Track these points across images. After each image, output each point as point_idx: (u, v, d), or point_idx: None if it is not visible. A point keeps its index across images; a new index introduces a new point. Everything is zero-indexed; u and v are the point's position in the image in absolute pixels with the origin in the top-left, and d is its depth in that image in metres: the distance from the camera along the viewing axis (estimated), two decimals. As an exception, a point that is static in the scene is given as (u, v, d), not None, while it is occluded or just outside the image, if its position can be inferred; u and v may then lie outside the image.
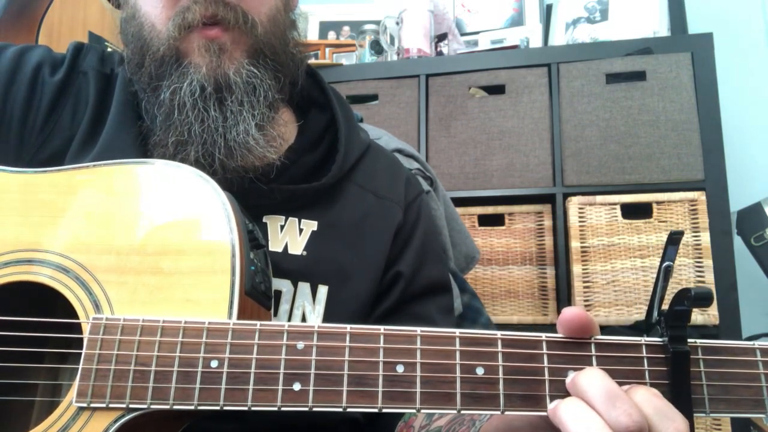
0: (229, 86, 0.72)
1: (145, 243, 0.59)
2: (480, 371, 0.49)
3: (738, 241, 1.78)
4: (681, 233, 0.48)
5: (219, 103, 0.72)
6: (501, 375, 0.49)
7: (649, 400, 0.44)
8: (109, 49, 0.84)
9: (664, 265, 0.49)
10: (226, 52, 0.72)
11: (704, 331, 1.62)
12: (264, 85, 0.74)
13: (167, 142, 0.73)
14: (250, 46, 0.74)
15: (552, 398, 0.48)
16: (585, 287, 1.71)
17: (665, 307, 0.48)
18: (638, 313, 1.67)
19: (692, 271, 1.65)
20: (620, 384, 0.45)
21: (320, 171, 0.83)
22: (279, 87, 0.77)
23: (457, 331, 0.50)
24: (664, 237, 1.68)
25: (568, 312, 0.49)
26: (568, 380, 0.47)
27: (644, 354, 0.48)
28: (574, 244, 1.72)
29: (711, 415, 0.46)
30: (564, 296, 1.78)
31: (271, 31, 0.76)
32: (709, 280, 1.63)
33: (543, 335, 0.49)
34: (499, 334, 0.50)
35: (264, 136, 0.75)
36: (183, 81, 0.71)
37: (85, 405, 0.53)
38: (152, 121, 0.76)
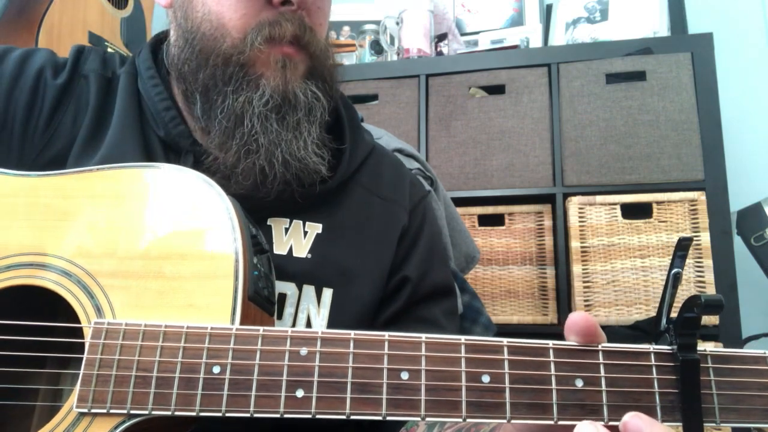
0: (294, 104, 0.75)
1: (148, 247, 0.59)
2: (486, 379, 0.48)
3: (738, 241, 1.78)
4: (690, 240, 0.47)
5: (281, 118, 0.74)
6: (507, 383, 0.48)
7: None
8: (110, 50, 0.84)
9: (673, 271, 0.48)
10: (296, 71, 0.75)
11: (704, 331, 1.62)
12: (321, 107, 0.77)
13: (230, 147, 0.74)
14: (313, 68, 0.77)
15: (559, 407, 0.47)
16: (585, 287, 1.71)
17: (674, 314, 0.48)
18: (638, 313, 1.67)
19: (692, 271, 1.65)
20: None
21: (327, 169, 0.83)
22: (329, 109, 0.80)
23: (463, 338, 0.50)
24: (665, 237, 1.68)
25: (575, 316, 0.49)
26: None
27: (653, 362, 0.48)
28: (574, 244, 1.72)
29: (721, 424, 0.46)
30: (564, 296, 1.78)
31: (326, 56, 0.80)
32: (709, 280, 1.63)
33: (550, 342, 0.49)
34: (505, 341, 0.49)
35: (318, 153, 0.78)
36: (254, 92, 0.73)
37: (85, 410, 0.52)
38: (206, 121, 0.76)
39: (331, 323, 0.76)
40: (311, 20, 0.76)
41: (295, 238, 0.78)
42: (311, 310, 0.76)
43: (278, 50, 0.73)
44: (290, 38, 0.73)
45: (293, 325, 0.75)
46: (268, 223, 0.78)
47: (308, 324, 0.76)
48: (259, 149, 0.74)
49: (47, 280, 0.58)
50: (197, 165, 0.75)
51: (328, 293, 0.77)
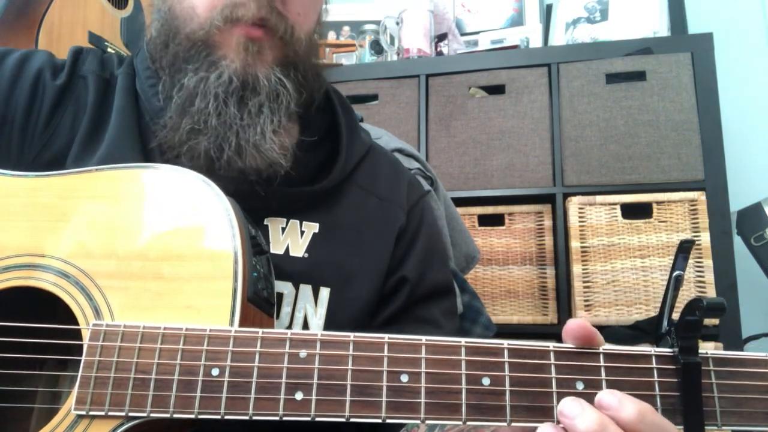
0: (255, 88, 0.72)
1: (147, 248, 0.59)
2: (486, 381, 0.48)
3: (738, 241, 1.78)
4: (692, 242, 0.47)
5: (240, 101, 0.72)
6: (507, 386, 0.48)
7: (648, 417, 0.44)
8: (109, 49, 0.84)
9: (675, 274, 0.48)
10: (261, 55, 0.73)
11: (704, 331, 1.62)
12: (287, 95, 0.75)
13: (180, 125, 0.73)
14: (284, 56, 0.75)
15: (560, 410, 0.47)
16: (585, 287, 1.71)
17: (675, 316, 0.48)
18: (638, 313, 1.67)
19: (692, 271, 1.65)
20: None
21: (322, 173, 0.83)
22: (299, 100, 0.78)
23: (463, 341, 0.49)
24: (665, 237, 1.68)
25: (571, 323, 0.49)
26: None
27: (654, 365, 0.48)
28: (574, 244, 1.72)
29: (723, 428, 0.46)
30: (564, 296, 1.78)
31: (306, 49, 0.78)
32: (709, 280, 1.63)
33: (551, 345, 0.49)
34: (505, 343, 0.49)
35: (278, 143, 0.74)
36: (211, 72, 0.72)
37: (83, 413, 0.52)
38: (165, 101, 0.75)
39: (328, 322, 0.76)
40: (286, 8, 0.74)
41: (292, 238, 0.78)
42: (308, 310, 0.76)
43: (241, 31, 0.71)
44: (252, 19, 0.71)
45: (290, 324, 0.75)
46: (265, 222, 0.78)
47: (305, 323, 0.76)
48: (208, 130, 0.72)
49: (45, 282, 0.58)
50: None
51: (325, 292, 0.77)
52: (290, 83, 0.75)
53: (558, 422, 0.46)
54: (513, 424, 0.47)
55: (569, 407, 0.45)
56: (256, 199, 0.75)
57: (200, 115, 0.72)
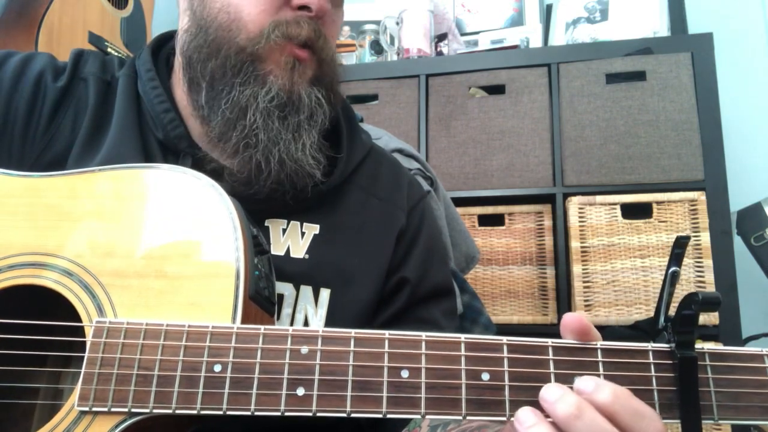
0: (298, 106, 0.76)
1: (150, 247, 0.59)
2: (486, 377, 0.49)
3: (738, 241, 1.78)
4: (687, 238, 0.48)
5: (282, 117, 0.75)
6: (507, 381, 0.48)
7: (623, 400, 0.45)
8: (110, 50, 0.85)
9: (671, 270, 0.49)
10: (305, 75, 0.76)
11: (704, 331, 1.62)
12: (322, 113, 0.78)
13: (230, 137, 0.75)
14: (320, 75, 0.78)
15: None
16: (585, 287, 1.71)
17: (672, 312, 0.48)
18: (638, 313, 1.67)
19: (692, 271, 1.65)
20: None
21: (322, 174, 0.83)
22: (330, 117, 0.81)
23: (463, 337, 0.50)
24: (664, 237, 1.68)
25: (569, 317, 0.50)
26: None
27: (651, 360, 0.48)
28: (574, 244, 1.72)
29: (720, 421, 0.46)
30: (564, 296, 1.78)
31: (334, 66, 0.81)
32: (709, 280, 1.63)
33: (549, 341, 0.49)
34: (505, 339, 0.50)
35: (315, 157, 0.78)
36: (261, 87, 0.74)
37: (86, 409, 0.52)
38: (209, 110, 0.77)
39: (329, 323, 0.77)
40: (326, 30, 0.78)
41: (293, 239, 0.78)
42: (308, 311, 0.76)
43: (290, 50, 0.74)
44: (304, 40, 0.74)
45: (291, 325, 0.75)
46: (266, 224, 0.78)
47: (305, 324, 0.76)
48: (258, 144, 0.74)
49: (49, 280, 0.59)
50: (196, 167, 0.76)
51: (325, 294, 0.78)
52: (325, 101, 0.78)
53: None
54: (513, 419, 0.48)
55: (550, 392, 0.47)
56: (256, 200, 0.76)
57: (250, 130, 0.74)
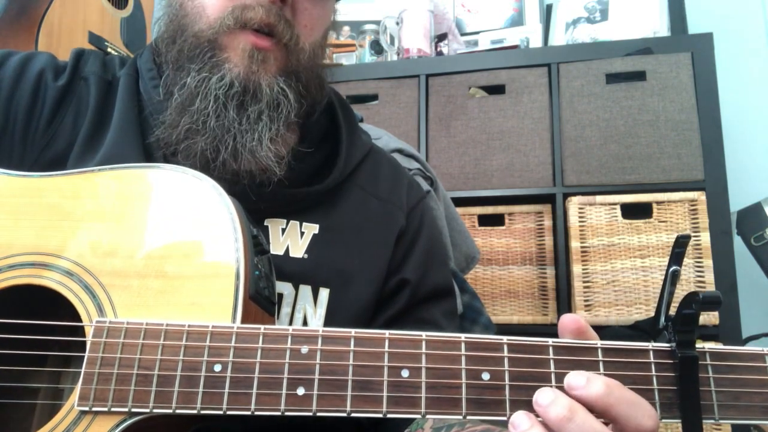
0: (256, 95, 0.73)
1: (150, 247, 0.59)
2: (486, 376, 0.49)
3: (738, 241, 1.78)
4: (688, 237, 0.48)
5: (239, 106, 0.73)
6: (507, 380, 0.48)
7: (617, 390, 0.45)
8: (110, 50, 0.85)
9: (671, 269, 0.49)
10: (266, 64, 0.74)
11: (704, 331, 1.62)
12: (288, 105, 0.75)
13: (178, 123, 0.73)
14: (287, 66, 0.76)
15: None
16: (585, 287, 1.71)
17: (672, 312, 0.48)
18: (638, 313, 1.67)
19: (692, 271, 1.65)
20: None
21: (322, 174, 0.83)
22: (300, 110, 0.79)
23: (463, 336, 0.50)
24: (664, 237, 1.68)
25: (566, 318, 0.50)
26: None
27: (652, 359, 0.48)
28: (574, 244, 1.72)
29: (720, 421, 0.46)
30: (564, 296, 1.78)
31: (310, 60, 0.78)
32: (709, 280, 1.63)
33: (549, 340, 0.49)
34: (505, 339, 0.50)
35: (273, 150, 0.75)
36: (214, 73, 0.72)
37: (86, 409, 0.52)
38: (165, 95, 0.76)
39: (328, 323, 0.77)
40: (295, 19, 0.76)
41: (292, 239, 0.78)
42: (308, 310, 0.76)
43: (248, 38, 0.72)
44: (260, 23, 0.72)
45: (290, 324, 0.75)
46: (265, 223, 0.78)
47: (305, 324, 0.76)
48: (206, 132, 0.73)
49: (49, 280, 0.59)
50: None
51: (324, 293, 0.77)
52: (292, 93, 0.76)
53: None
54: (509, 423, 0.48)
55: (543, 396, 0.47)
56: (256, 200, 0.76)
57: (199, 116, 0.72)
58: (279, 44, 0.74)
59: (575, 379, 0.47)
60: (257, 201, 0.76)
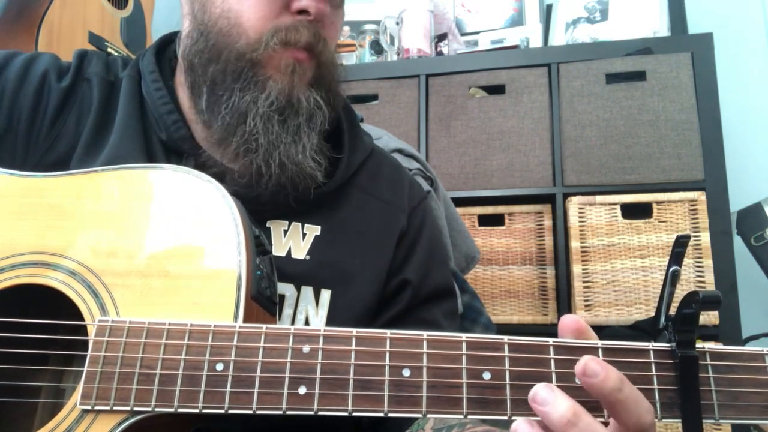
0: (297, 109, 0.76)
1: (153, 246, 0.59)
2: (487, 376, 0.49)
3: (738, 241, 1.78)
4: (688, 237, 0.48)
5: (283, 121, 0.75)
6: (508, 380, 0.49)
7: (625, 386, 0.45)
8: (110, 50, 0.85)
9: (672, 269, 0.49)
10: (304, 78, 0.77)
11: (704, 331, 1.63)
12: (321, 115, 0.78)
13: (231, 143, 0.76)
14: (319, 77, 0.79)
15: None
16: (585, 287, 1.71)
17: (672, 312, 0.48)
18: (638, 313, 1.67)
19: (692, 271, 1.65)
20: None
21: (324, 176, 0.83)
22: (329, 119, 0.81)
23: (464, 336, 0.50)
24: (664, 237, 1.68)
25: (566, 319, 0.50)
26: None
27: (652, 359, 0.48)
28: (574, 244, 1.73)
29: (720, 421, 0.46)
30: (564, 296, 1.78)
31: (333, 68, 0.81)
32: (709, 280, 1.64)
33: (550, 340, 0.49)
34: (506, 338, 0.50)
35: (313, 158, 0.78)
36: (260, 92, 0.74)
37: (89, 407, 0.53)
38: (209, 115, 0.77)
39: (329, 324, 0.77)
40: (325, 33, 0.77)
41: (294, 240, 0.79)
42: (309, 311, 0.77)
43: (290, 54, 0.75)
44: (304, 45, 0.75)
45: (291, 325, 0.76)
46: (267, 225, 0.78)
47: (306, 325, 0.76)
48: (258, 149, 0.75)
49: (52, 279, 0.59)
50: (198, 169, 0.76)
51: (326, 294, 0.78)
52: (324, 103, 0.78)
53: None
54: (514, 417, 0.48)
55: (541, 394, 0.46)
56: (258, 201, 0.76)
57: (251, 134, 0.75)
58: (313, 56, 0.77)
59: (593, 366, 0.45)
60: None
